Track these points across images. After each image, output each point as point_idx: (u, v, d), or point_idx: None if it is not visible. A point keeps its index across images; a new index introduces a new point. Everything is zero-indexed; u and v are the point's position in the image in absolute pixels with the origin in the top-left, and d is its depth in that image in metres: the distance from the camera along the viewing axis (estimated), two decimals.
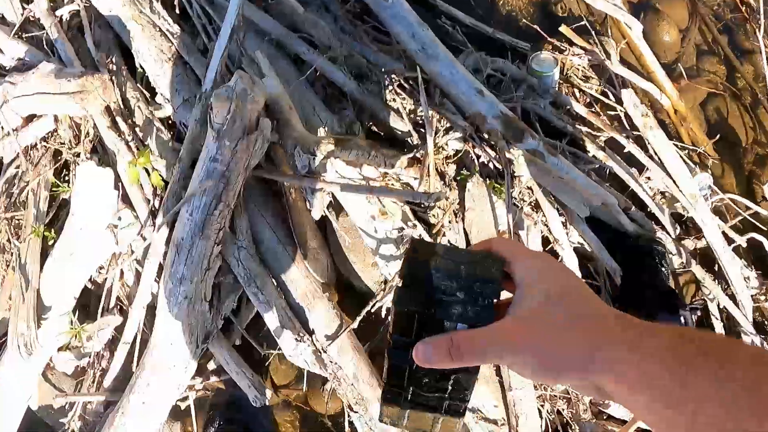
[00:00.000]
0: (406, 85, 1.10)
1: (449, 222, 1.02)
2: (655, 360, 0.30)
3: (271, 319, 0.98)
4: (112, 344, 1.19)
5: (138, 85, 1.23)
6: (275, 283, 1.00)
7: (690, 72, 1.48)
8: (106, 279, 1.21)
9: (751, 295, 1.27)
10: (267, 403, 1.10)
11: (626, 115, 1.26)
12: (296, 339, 0.95)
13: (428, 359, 0.37)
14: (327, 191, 1.01)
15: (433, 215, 1.02)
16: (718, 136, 1.39)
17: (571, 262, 1.11)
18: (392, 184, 1.00)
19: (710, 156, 1.38)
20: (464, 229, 1.02)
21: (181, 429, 1.18)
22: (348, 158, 0.96)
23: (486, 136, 1.07)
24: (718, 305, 1.24)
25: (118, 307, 1.19)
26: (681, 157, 1.24)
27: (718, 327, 1.22)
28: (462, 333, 0.37)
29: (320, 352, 0.96)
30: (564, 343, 0.33)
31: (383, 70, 1.09)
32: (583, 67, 1.26)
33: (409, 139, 1.06)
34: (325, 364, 0.96)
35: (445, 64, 1.07)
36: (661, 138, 1.18)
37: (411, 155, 0.99)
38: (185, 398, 1.16)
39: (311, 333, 0.98)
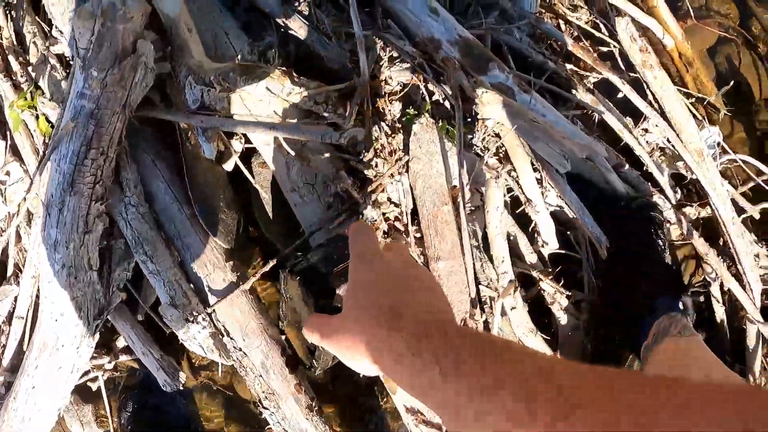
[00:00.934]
0: (343, 3, 0.80)
1: (391, 176, 0.73)
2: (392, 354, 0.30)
3: (162, 293, 0.71)
4: (12, 319, 0.94)
5: (37, 18, 0.94)
6: (171, 250, 0.73)
7: (698, 12, 1.14)
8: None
9: (761, 276, 0.97)
10: (180, 388, 0.84)
11: (621, 53, 0.94)
12: (186, 319, 0.68)
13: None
14: (238, 135, 0.73)
15: (371, 165, 0.73)
16: (727, 86, 1.06)
17: (547, 229, 0.82)
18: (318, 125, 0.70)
19: (718, 109, 1.06)
20: (410, 183, 0.73)
21: (92, 413, 0.95)
22: (256, 91, 0.67)
23: (442, 66, 0.76)
24: (721, 287, 0.94)
25: (17, 275, 0.94)
26: (687, 106, 0.92)
27: (720, 312, 0.92)
28: (316, 318, 0.38)
29: (221, 335, 0.69)
30: (345, 336, 0.34)
31: None
32: None
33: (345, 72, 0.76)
34: (228, 350, 0.69)
35: None
36: (663, 79, 0.86)
37: (340, 87, 0.70)
38: (94, 379, 0.92)
39: (211, 312, 0.70)
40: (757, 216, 0.94)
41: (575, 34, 0.94)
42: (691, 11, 1.09)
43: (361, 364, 0.32)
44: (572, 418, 0.21)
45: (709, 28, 1.10)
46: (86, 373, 0.91)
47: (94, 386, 0.93)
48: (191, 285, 0.72)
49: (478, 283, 0.70)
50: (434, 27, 0.76)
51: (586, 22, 0.96)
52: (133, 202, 0.73)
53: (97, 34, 0.64)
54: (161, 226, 0.74)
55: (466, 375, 0.24)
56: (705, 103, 1.04)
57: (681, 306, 0.79)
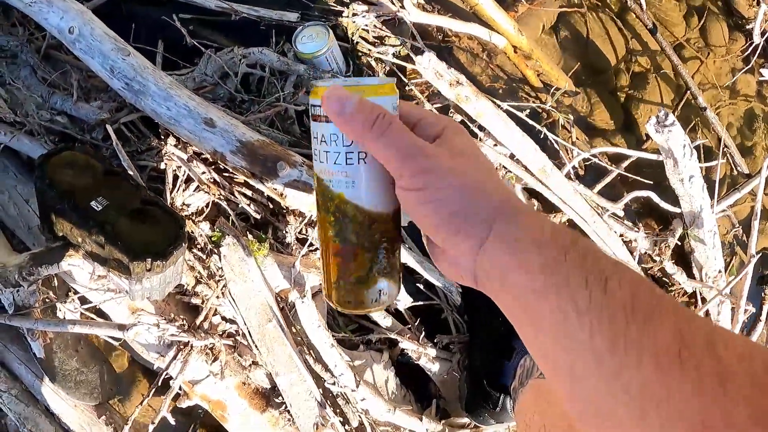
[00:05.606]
0: (129, 134, 0.70)
1: (217, 297, 0.67)
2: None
3: None
4: None
5: None
6: (52, 419, 0.71)
7: None
8: None
9: (640, 257, 0.89)
10: None
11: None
12: None
13: (343, 113, 0.26)
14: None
15: (197, 293, 0.67)
16: (578, 64, 0.92)
17: None
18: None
19: (572, 93, 0.92)
20: (234, 306, 0.67)
21: None
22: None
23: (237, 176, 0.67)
24: None
25: None
26: (525, 118, 0.80)
27: None
28: (393, 117, 0.27)
29: None
30: (479, 198, 0.24)
31: (87, 126, 0.69)
32: (375, 26, 0.79)
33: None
34: None
35: (158, 98, 0.65)
36: (484, 107, 0.74)
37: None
38: None
39: None
40: (620, 212, 0.85)
41: (387, 69, 0.81)
42: None
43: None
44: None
45: (546, 8, 0.93)
46: None
47: None
48: None
49: (324, 383, 0.66)
50: (213, 140, 0.66)
51: (400, 53, 0.82)
52: (2, 389, 0.71)
53: None
54: (38, 400, 0.72)
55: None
56: (552, 90, 0.91)
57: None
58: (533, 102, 0.85)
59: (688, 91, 0.99)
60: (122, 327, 0.61)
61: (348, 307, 0.32)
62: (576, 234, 0.23)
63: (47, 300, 0.66)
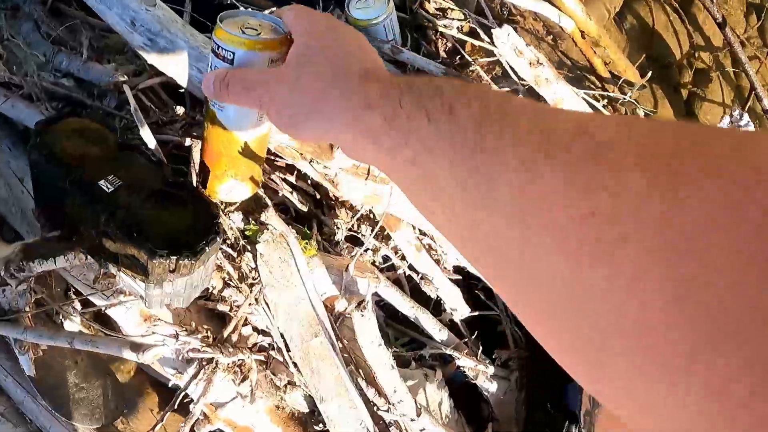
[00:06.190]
0: (148, 102, 0.57)
1: (249, 305, 0.55)
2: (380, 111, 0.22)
3: None
4: None
5: None
6: None
7: None
8: None
9: None
10: None
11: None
12: None
13: (209, 89, 0.33)
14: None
15: (224, 298, 0.55)
16: (643, 56, 0.82)
17: (452, 296, 0.64)
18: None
19: (634, 85, 0.82)
20: (271, 316, 0.55)
21: None
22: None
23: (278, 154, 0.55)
24: None
25: None
26: (599, 109, 0.70)
27: None
28: (238, 71, 0.32)
29: None
30: (306, 92, 0.26)
31: (97, 90, 0.56)
32: None
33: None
34: None
35: (187, 59, 0.53)
36: (564, 92, 0.63)
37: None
38: None
39: None
40: None
41: (449, 46, 0.70)
42: None
43: (315, 123, 0.25)
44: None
45: None
46: None
47: None
48: None
49: (376, 410, 0.55)
50: None
51: (463, 28, 0.71)
52: None
53: None
54: (29, 420, 0.59)
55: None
56: (621, 82, 0.81)
57: None
58: (598, 91, 0.75)
59: (753, 92, 0.91)
60: (137, 347, 0.48)
61: (206, 192, 0.41)
62: (410, 79, 0.21)
63: (41, 302, 0.53)
